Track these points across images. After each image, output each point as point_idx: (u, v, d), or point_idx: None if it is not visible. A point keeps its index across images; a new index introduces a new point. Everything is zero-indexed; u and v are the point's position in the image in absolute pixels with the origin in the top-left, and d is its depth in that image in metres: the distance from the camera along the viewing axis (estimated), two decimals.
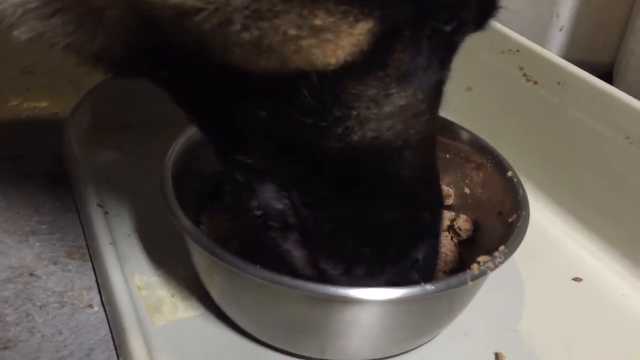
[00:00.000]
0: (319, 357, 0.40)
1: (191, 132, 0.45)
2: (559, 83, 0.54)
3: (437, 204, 0.38)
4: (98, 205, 0.49)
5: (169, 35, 0.29)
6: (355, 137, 0.31)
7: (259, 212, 0.36)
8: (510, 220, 0.41)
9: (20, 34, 0.32)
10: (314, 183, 0.34)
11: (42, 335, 0.41)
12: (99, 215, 0.48)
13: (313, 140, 0.32)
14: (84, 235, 0.49)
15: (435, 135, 0.35)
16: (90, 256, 0.47)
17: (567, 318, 0.45)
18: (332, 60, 0.28)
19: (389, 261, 0.36)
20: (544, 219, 0.53)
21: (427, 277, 0.37)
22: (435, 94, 0.34)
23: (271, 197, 0.35)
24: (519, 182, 0.44)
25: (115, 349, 0.41)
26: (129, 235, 0.47)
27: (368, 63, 0.29)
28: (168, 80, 0.34)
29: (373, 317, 0.37)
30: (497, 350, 0.41)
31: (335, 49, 0.28)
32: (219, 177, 0.48)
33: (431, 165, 0.36)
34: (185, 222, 0.38)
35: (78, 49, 0.32)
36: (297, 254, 0.36)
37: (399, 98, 0.31)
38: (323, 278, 0.36)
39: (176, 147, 0.44)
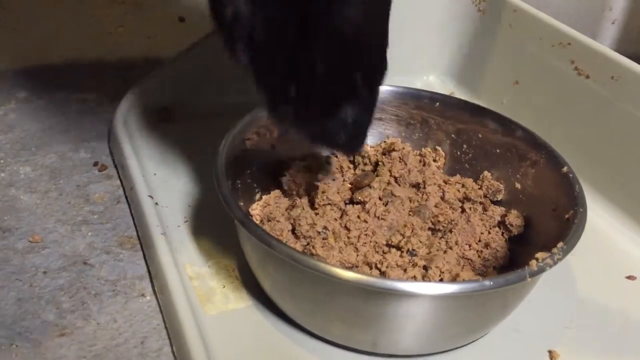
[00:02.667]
0: (370, 350, 0.40)
1: (244, 123, 0.46)
2: (612, 77, 0.52)
3: (374, 70, 0.38)
4: (149, 196, 0.49)
5: None
6: None
7: None
8: (566, 216, 0.41)
9: None
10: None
11: (97, 323, 0.41)
12: (149, 206, 0.48)
13: None
14: (135, 225, 0.50)
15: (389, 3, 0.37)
16: (141, 246, 0.48)
17: (621, 316, 0.44)
18: None
19: (313, 111, 0.37)
20: (596, 216, 0.52)
21: (353, 145, 0.40)
22: None
23: None
24: (575, 178, 0.43)
25: (169, 337, 0.41)
26: (179, 226, 0.48)
27: None
28: None
29: (428, 311, 0.36)
30: (551, 348, 0.41)
31: None
32: (271, 168, 0.48)
33: (378, 32, 0.37)
34: (240, 213, 0.39)
35: None
36: None
37: None
38: None
39: (229, 137, 0.44)
